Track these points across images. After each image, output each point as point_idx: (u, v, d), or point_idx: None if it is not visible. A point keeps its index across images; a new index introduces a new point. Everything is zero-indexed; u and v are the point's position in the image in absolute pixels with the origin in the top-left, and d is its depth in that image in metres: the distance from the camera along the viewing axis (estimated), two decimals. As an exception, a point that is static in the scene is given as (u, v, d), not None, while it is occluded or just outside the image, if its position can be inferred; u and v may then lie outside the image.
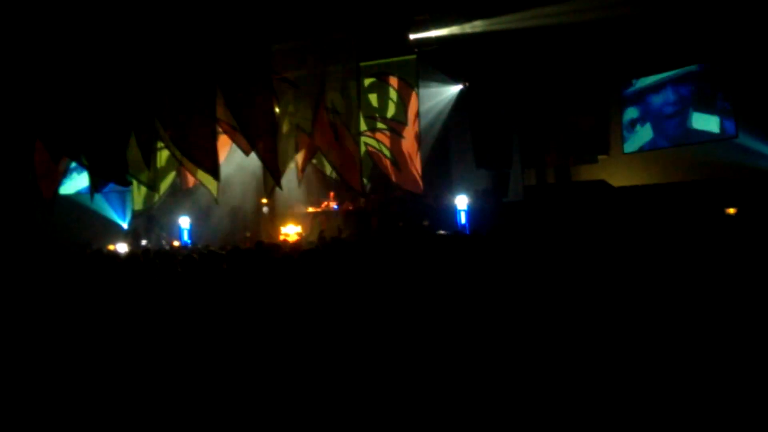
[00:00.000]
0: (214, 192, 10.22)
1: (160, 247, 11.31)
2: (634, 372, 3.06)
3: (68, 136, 10.48)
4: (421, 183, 12.97)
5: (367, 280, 4.67)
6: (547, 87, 13.05)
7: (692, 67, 12.31)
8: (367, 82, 13.25)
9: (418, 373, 3.29)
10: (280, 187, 11.93)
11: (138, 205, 14.28)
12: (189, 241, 13.04)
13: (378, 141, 13.24)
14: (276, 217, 14.05)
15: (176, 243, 13.16)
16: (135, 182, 12.80)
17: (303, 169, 12.23)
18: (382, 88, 13.29)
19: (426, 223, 12.49)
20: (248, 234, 13.65)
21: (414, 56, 12.93)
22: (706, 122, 12.11)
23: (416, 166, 12.95)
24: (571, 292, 3.98)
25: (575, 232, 8.12)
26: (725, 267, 4.17)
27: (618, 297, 3.83)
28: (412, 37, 12.77)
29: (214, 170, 9.87)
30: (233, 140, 11.77)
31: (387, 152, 13.19)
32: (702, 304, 3.82)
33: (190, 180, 13.40)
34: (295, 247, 8.30)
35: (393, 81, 13.19)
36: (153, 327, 4.03)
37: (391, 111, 13.20)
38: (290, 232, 13.34)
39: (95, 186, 12.68)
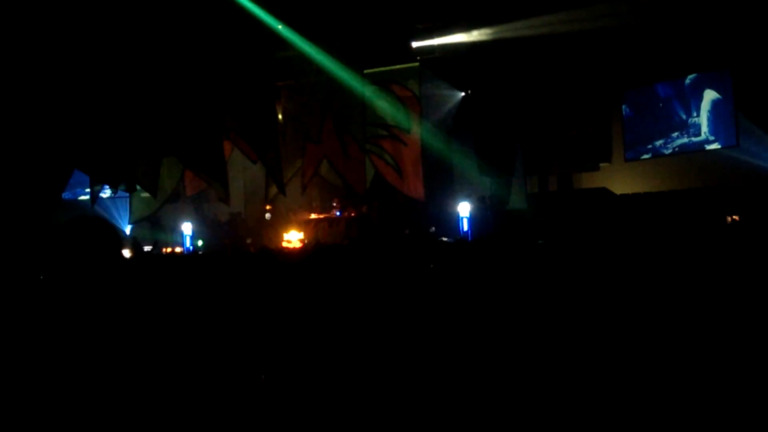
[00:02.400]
0: (224, 196, 10.26)
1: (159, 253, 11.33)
2: (634, 378, 3.08)
3: (73, 143, 10.52)
4: (423, 190, 13.00)
5: (368, 283, 4.69)
6: (549, 94, 13.10)
7: (693, 76, 12.37)
8: (371, 89, 13.31)
9: (418, 375, 3.32)
10: (284, 194, 11.96)
11: (140, 211, 14.29)
12: (191, 248, 13.07)
13: (381, 148, 13.29)
14: (278, 223, 14.08)
15: (179, 249, 13.20)
16: (138, 188, 12.80)
17: (310, 177, 12.26)
18: (385, 96, 13.35)
19: (433, 230, 12.54)
20: (249, 240, 13.68)
21: (417, 64, 12.99)
22: (707, 130, 12.16)
23: (418, 173, 12.99)
24: (572, 298, 4.00)
25: (578, 239, 8.13)
26: (727, 275, 4.18)
27: (620, 304, 3.85)
28: (414, 45, 12.84)
29: (222, 179, 9.92)
30: (239, 147, 11.81)
31: (390, 159, 13.23)
32: (704, 311, 3.84)
33: (194, 187, 13.42)
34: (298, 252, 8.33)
35: (396, 89, 13.25)
36: (152, 329, 4.04)
37: (393, 118, 13.25)
38: (292, 238, 13.37)
39: (97, 191, 12.69)
